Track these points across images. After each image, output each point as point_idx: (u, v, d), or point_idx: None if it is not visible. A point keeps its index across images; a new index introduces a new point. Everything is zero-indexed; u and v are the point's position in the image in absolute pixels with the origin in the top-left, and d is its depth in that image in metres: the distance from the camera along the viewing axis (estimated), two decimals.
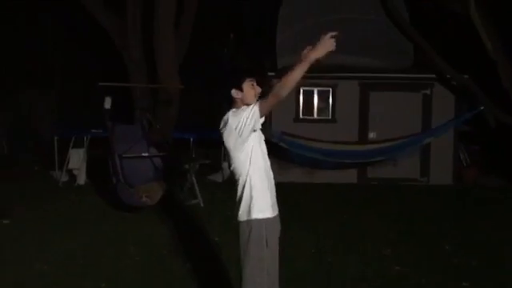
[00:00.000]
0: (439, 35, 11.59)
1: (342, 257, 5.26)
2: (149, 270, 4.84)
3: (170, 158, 8.23)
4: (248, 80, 2.94)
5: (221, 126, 2.92)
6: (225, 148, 2.94)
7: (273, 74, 9.80)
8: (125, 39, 10.81)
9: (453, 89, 10.34)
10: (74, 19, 13.37)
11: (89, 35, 13.07)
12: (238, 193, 2.91)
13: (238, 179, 2.91)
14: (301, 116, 10.44)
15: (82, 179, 9.58)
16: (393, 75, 10.36)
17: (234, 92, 2.93)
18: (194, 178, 8.00)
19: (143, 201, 7.08)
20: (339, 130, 10.22)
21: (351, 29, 9.95)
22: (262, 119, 2.84)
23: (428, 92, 10.42)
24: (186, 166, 8.17)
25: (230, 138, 2.86)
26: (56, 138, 9.98)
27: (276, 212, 2.98)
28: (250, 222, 2.86)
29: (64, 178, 9.66)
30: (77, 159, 9.60)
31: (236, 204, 2.93)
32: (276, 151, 9.31)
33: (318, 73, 8.61)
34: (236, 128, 2.80)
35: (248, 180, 2.86)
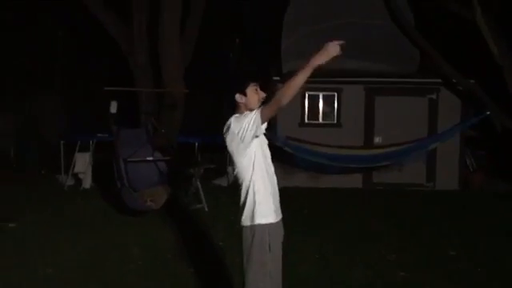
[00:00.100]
0: (445, 40, 11.56)
1: (346, 262, 5.23)
2: (153, 274, 4.84)
3: (174, 162, 8.24)
4: (252, 85, 2.94)
5: (224, 130, 2.93)
6: (229, 152, 2.95)
7: (278, 78, 9.81)
8: (131, 45, 10.91)
9: (459, 93, 10.30)
10: (82, 25, 13.50)
11: (96, 41, 13.17)
12: (242, 198, 2.91)
13: (242, 184, 2.91)
14: (306, 120, 10.44)
15: (87, 183, 9.63)
16: (398, 80, 10.34)
17: (237, 96, 2.93)
18: (198, 183, 8.01)
19: (148, 205, 7.10)
20: (344, 134, 10.21)
21: (357, 33, 9.95)
22: (265, 125, 2.83)
23: (434, 97, 10.38)
24: (191, 171, 8.17)
25: (232, 143, 2.87)
26: (62, 142, 10.05)
27: (279, 217, 2.98)
28: (253, 227, 2.86)
29: (70, 181, 9.71)
30: (82, 163, 9.65)
31: (239, 209, 2.93)
32: (281, 156, 9.32)
33: (323, 77, 8.64)
34: (238, 133, 2.81)
35: (251, 185, 2.87)
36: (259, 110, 2.77)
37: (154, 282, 4.66)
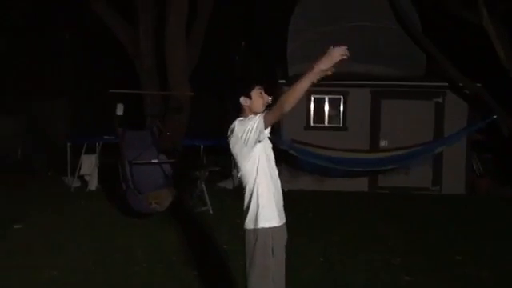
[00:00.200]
0: (451, 43, 11.52)
1: (350, 266, 5.21)
2: (157, 277, 4.85)
3: (179, 164, 8.25)
4: (257, 88, 2.95)
5: (228, 133, 2.93)
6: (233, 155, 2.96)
7: (284, 81, 9.81)
8: (137, 48, 10.97)
9: (465, 97, 10.25)
10: (89, 28, 13.60)
11: (102, 43, 13.26)
12: (246, 201, 2.91)
13: (245, 187, 2.91)
14: (312, 124, 10.42)
15: (93, 185, 9.67)
16: (405, 83, 10.31)
17: (242, 99, 2.94)
18: (203, 185, 8.02)
19: (152, 207, 7.11)
20: (350, 137, 10.18)
21: (363, 37, 9.93)
22: (268, 130, 2.83)
23: (440, 100, 10.34)
24: (196, 173, 8.19)
25: (236, 146, 2.87)
26: (69, 144, 10.11)
27: (283, 220, 2.98)
28: (256, 230, 2.86)
29: (76, 183, 9.75)
30: (89, 165, 9.70)
31: (243, 212, 2.93)
32: (286, 159, 9.32)
33: (329, 80, 8.62)
34: (242, 137, 2.81)
35: (255, 188, 2.87)
36: (262, 115, 2.77)
37: (159, 284, 4.67)
